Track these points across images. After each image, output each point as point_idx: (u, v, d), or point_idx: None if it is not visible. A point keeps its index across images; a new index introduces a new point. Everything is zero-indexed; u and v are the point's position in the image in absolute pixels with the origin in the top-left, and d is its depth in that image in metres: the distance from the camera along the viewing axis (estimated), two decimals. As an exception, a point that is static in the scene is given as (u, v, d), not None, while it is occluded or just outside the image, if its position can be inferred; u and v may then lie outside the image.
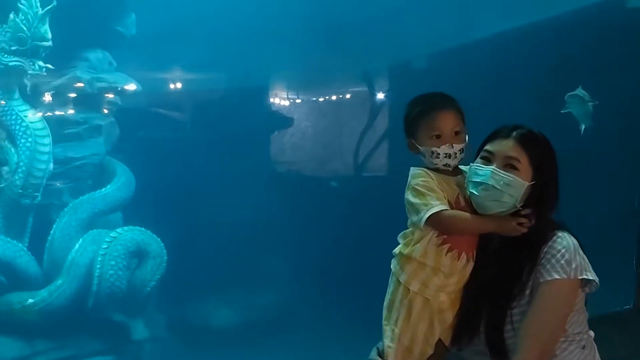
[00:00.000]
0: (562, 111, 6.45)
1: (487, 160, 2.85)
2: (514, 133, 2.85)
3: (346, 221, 9.86)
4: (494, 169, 2.80)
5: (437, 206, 2.78)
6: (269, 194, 10.16)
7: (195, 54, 9.65)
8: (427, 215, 2.77)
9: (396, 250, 2.97)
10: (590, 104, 6.43)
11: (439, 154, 2.87)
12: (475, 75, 8.19)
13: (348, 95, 11.49)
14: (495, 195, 2.78)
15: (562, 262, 2.70)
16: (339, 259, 9.45)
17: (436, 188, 2.84)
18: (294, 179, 11.34)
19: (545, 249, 2.76)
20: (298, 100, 11.89)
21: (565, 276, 2.69)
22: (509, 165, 2.80)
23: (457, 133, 2.89)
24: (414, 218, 2.83)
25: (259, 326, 8.76)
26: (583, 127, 6.62)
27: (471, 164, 2.90)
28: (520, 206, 2.79)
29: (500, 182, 2.77)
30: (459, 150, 2.88)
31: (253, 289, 9.41)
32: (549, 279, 2.70)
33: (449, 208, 2.81)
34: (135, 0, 8.45)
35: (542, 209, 2.82)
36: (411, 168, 2.98)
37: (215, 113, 10.20)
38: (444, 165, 2.89)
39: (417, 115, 2.93)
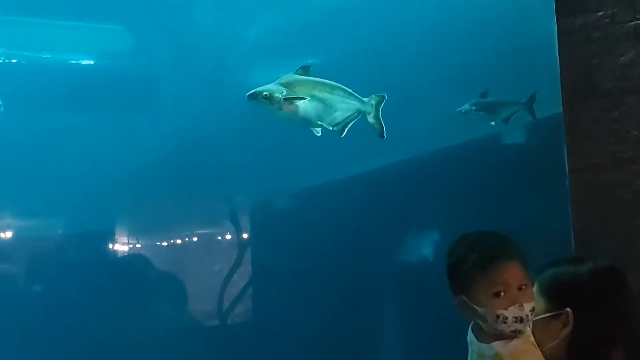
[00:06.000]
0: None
1: None
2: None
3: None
4: None
5: None
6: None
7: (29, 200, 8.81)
8: None
9: None
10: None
11: (507, 318, 2.36)
12: (338, 215, 8.15)
13: (195, 239, 10.90)
14: None
15: None
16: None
17: None
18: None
19: None
20: (138, 245, 11.10)
21: None
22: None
23: (522, 288, 2.43)
24: None
25: None
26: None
27: None
28: None
29: None
30: (530, 310, 2.40)
31: None
32: None
33: None
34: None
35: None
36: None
37: (53, 263, 9.13)
38: (512, 331, 2.39)
39: (472, 267, 2.41)
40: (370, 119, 5.83)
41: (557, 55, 3.83)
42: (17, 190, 8.73)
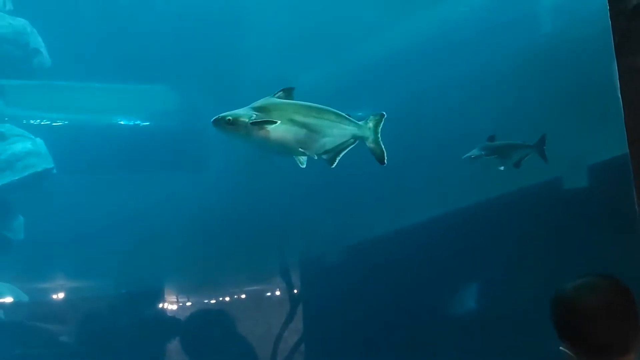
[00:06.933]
0: None
1: None
2: None
3: None
4: None
5: None
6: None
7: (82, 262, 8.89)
8: None
9: None
10: None
11: None
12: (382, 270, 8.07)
13: (243, 295, 10.81)
14: None
15: None
16: None
17: None
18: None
19: None
20: (188, 304, 11.07)
21: None
22: None
23: None
24: None
25: None
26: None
27: None
28: None
29: None
30: None
31: None
32: None
33: None
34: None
35: None
36: None
37: (106, 320, 9.16)
38: None
39: None
40: (369, 144, 5.04)
41: (620, 94, 3.71)
42: (71, 250, 8.85)
